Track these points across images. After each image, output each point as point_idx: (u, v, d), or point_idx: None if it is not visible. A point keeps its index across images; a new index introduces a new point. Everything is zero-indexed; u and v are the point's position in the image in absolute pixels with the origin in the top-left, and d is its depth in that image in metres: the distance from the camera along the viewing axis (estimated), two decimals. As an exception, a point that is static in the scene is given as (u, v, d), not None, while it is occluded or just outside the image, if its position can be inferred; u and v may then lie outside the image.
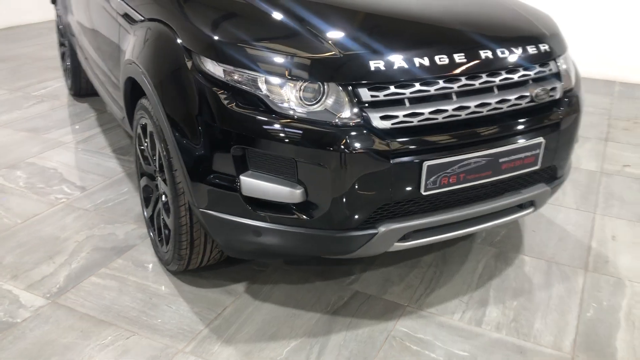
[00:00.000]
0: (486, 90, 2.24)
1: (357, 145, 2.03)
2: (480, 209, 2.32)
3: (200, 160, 2.17)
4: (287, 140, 2.04)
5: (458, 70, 2.17)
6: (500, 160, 2.25)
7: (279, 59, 2.08)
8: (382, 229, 2.16)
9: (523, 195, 2.42)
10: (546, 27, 2.53)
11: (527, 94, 2.31)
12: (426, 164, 2.10)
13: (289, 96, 2.06)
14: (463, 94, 2.20)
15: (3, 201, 3.28)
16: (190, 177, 2.20)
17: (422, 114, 2.11)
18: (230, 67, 2.11)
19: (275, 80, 2.06)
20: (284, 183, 2.09)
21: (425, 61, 2.13)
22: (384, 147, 2.05)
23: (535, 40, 2.41)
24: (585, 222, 3.25)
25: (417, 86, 2.11)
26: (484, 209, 2.33)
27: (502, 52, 2.27)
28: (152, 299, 2.53)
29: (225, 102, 2.10)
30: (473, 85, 2.20)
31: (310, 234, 2.15)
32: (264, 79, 2.07)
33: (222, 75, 2.12)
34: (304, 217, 2.13)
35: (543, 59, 2.39)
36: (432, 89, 2.13)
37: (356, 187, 2.07)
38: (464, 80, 2.19)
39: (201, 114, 2.14)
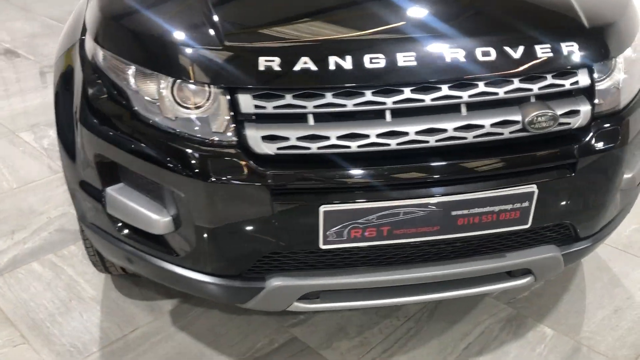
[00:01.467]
0: (445, 109, 1.53)
1: (223, 173, 1.49)
2: (428, 275, 1.65)
3: (72, 161, 1.79)
4: (141, 153, 1.57)
5: (399, 78, 1.49)
6: (454, 213, 1.54)
7: (149, 46, 1.59)
8: (272, 283, 1.62)
9: (507, 261, 1.69)
10: (592, 15, 1.68)
11: (517, 118, 1.54)
12: (323, 209, 1.49)
13: (161, 96, 1.56)
14: (403, 112, 1.52)
15: (17, 162, 3.23)
16: (66, 178, 1.84)
17: (326, 138, 1.48)
18: (108, 52, 1.67)
19: (144, 72, 1.58)
20: (151, 208, 1.63)
21: (347, 61, 1.48)
22: (261, 179, 1.48)
23: (556, 35, 1.59)
24: (669, 290, 2.32)
25: (328, 97, 1.48)
26: (434, 275, 1.65)
27: (485, 54, 1.52)
28: (71, 302, 2.26)
29: (94, 95, 1.67)
30: (421, 101, 1.50)
31: (182, 274, 1.68)
32: (133, 69, 1.60)
33: (102, 62, 1.69)
34: (171, 252, 1.66)
35: (563, 65, 1.58)
36: (350, 103, 1.49)
37: (226, 227, 1.54)
38: (407, 93, 1.50)
39: (72, 106, 1.74)
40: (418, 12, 1.64)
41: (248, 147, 1.49)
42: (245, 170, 1.48)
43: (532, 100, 1.57)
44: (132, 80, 1.60)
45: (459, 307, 2.22)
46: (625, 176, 1.76)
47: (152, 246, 1.69)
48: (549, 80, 1.57)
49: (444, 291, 1.71)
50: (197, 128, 1.53)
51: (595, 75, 1.63)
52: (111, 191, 1.69)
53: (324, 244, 1.53)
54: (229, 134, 1.50)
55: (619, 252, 2.51)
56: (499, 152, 1.55)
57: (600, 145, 1.62)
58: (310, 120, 1.49)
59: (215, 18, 1.57)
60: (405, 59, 1.49)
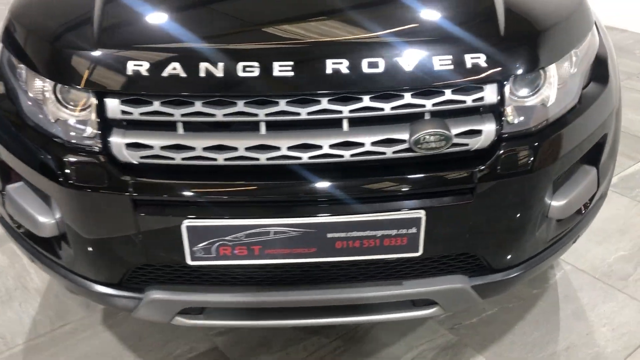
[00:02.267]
0: (325, 124, 1.41)
1: (87, 180, 1.44)
2: (312, 298, 1.54)
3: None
4: (22, 155, 1.56)
5: (274, 89, 1.38)
6: (330, 235, 1.42)
7: (34, 47, 1.57)
8: (149, 295, 1.56)
9: (404, 289, 1.55)
10: (514, 22, 1.50)
11: (404, 137, 1.39)
12: (186, 224, 1.41)
13: (44, 98, 1.53)
14: (277, 126, 1.41)
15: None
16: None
17: (191, 148, 1.40)
18: (7, 52, 1.67)
19: (31, 73, 1.55)
20: (39, 210, 1.61)
21: (218, 69, 1.39)
22: (123, 189, 1.42)
23: (460, 45, 1.43)
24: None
25: (197, 106, 1.40)
26: (319, 299, 1.54)
27: (372, 65, 1.38)
28: (15, 291, 2.30)
29: (-4, 95, 1.68)
30: (296, 114, 1.39)
31: (73, 278, 1.65)
32: (24, 70, 1.58)
33: (4, 62, 1.69)
34: (59, 256, 1.64)
35: (464, 80, 1.41)
36: (220, 113, 1.40)
37: (96, 236, 1.50)
38: (282, 105, 1.39)
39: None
40: (299, 17, 1.52)
41: (108, 154, 1.43)
42: (108, 179, 1.43)
43: (427, 117, 1.42)
44: (22, 81, 1.58)
45: (397, 329, 2.08)
46: (555, 203, 1.58)
47: (44, 247, 1.68)
48: (447, 95, 1.41)
49: (337, 316, 1.60)
50: (72, 133, 1.48)
51: (514, 91, 1.46)
52: (9, 189, 1.69)
53: (192, 260, 1.46)
54: (98, 140, 1.45)
55: (594, 281, 2.27)
56: (383, 172, 1.41)
57: (507, 169, 1.44)
58: (179, 129, 1.42)
59: (98, 22, 1.51)
60: (281, 68, 1.38)
